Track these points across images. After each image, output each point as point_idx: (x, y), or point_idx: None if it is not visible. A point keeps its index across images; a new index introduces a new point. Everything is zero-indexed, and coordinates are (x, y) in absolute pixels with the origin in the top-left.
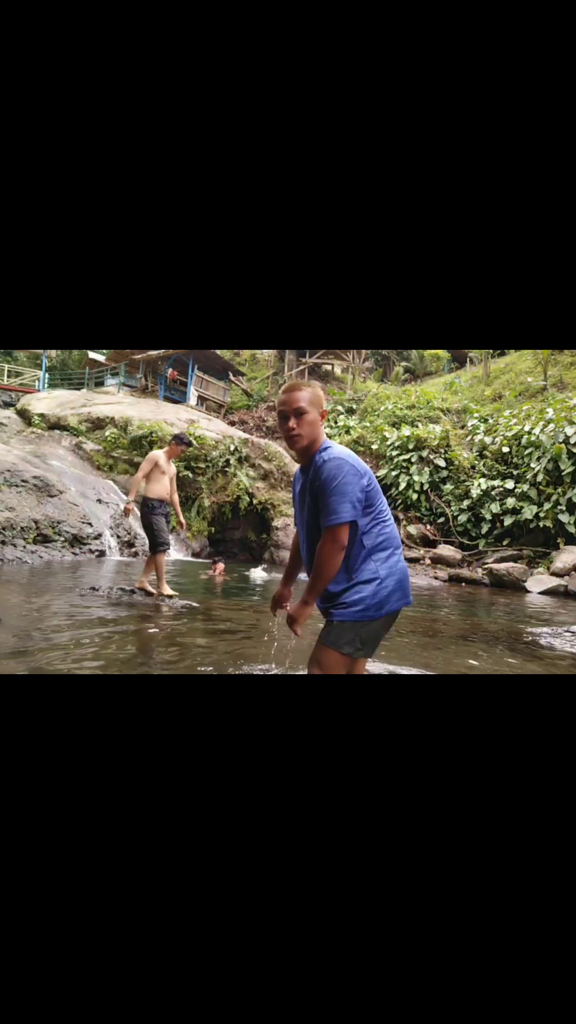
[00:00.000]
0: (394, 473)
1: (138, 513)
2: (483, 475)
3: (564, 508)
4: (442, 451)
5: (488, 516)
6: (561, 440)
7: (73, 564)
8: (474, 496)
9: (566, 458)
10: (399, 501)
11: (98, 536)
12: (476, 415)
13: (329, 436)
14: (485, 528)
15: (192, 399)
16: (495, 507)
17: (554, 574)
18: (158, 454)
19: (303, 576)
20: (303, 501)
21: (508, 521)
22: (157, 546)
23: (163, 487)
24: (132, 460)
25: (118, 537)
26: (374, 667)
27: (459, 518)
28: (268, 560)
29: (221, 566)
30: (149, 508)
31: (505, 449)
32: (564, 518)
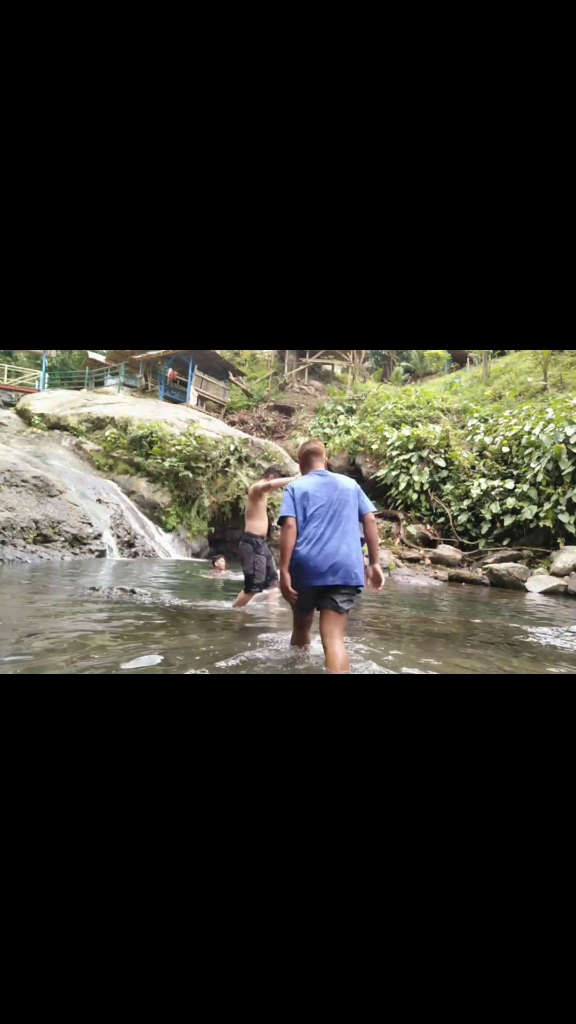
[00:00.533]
0: (394, 473)
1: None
2: (483, 475)
3: (564, 508)
4: (442, 451)
5: (488, 516)
6: (561, 440)
7: (73, 564)
8: (474, 496)
9: (566, 458)
10: (399, 501)
11: (98, 536)
12: (476, 415)
13: (329, 436)
14: (485, 528)
15: (192, 399)
16: (495, 507)
17: (554, 574)
18: (263, 484)
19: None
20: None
21: (508, 521)
22: (251, 587)
23: (265, 522)
24: (132, 460)
25: (118, 537)
26: (374, 667)
27: (459, 518)
28: None
29: (222, 562)
30: (253, 545)
31: (505, 449)
32: (564, 518)
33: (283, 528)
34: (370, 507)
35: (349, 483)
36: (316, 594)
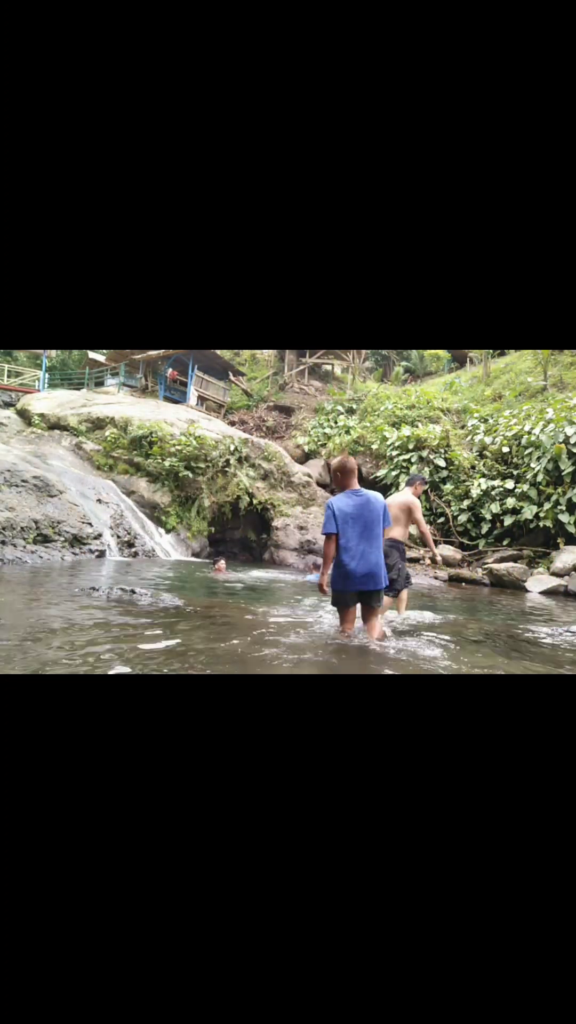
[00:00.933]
0: (394, 473)
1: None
2: (483, 475)
3: (564, 508)
4: (442, 451)
5: (488, 516)
6: (561, 440)
7: (73, 564)
8: (474, 496)
9: (566, 458)
10: None
11: (98, 536)
12: (476, 415)
13: (328, 436)
14: (485, 528)
15: (192, 399)
16: (495, 507)
17: (554, 574)
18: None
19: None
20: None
21: (508, 521)
22: (392, 590)
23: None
24: (132, 460)
25: (118, 537)
26: (375, 667)
27: (459, 518)
28: (269, 560)
29: (222, 563)
30: (400, 553)
31: (505, 449)
32: (564, 518)
33: (326, 541)
34: (389, 520)
35: (379, 503)
36: (356, 596)
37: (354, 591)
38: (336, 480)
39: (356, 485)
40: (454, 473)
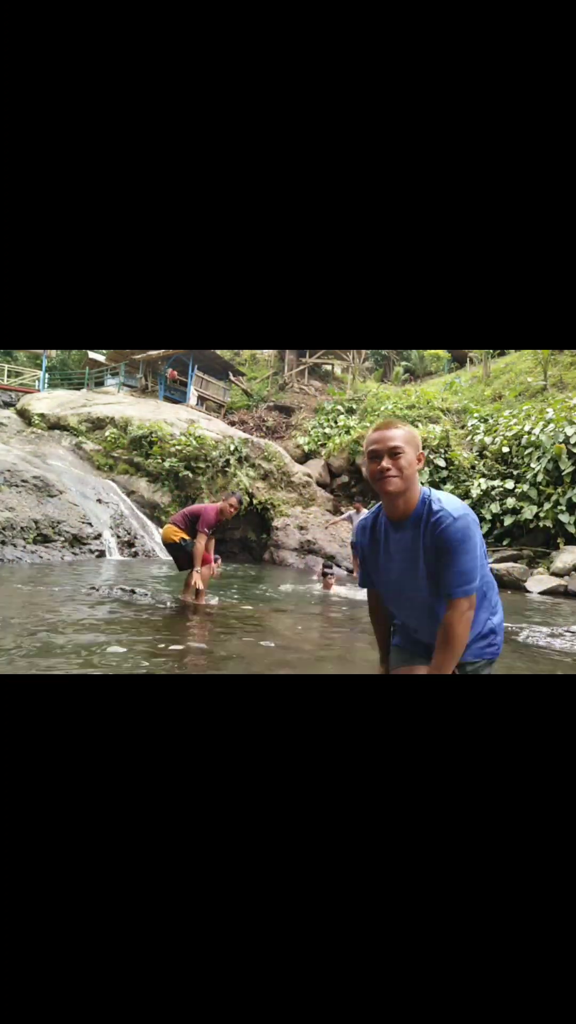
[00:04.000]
0: None
1: None
2: (483, 475)
3: (564, 508)
4: (442, 451)
5: (488, 516)
6: (561, 440)
7: (73, 564)
8: (474, 496)
9: (566, 458)
10: None
11: (98, 536)
12: (476, 415)
13: (328, 436)
14: (485, 528)
15: (192, 399)
16: (495, 507)
17: (554, 574)
18: None
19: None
20: (411, 560)
21: (508, 521)
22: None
23: None
24: (132, 460)
25: (118, 537)
26: (374, 667)
27: None
28: (268, 560)
29: (333, 577)
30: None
31: (505, 449)
32: (564, 518)
33: (473, 599)
34: (457, 592)
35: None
36: None
37: None
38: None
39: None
40: (454, 473)
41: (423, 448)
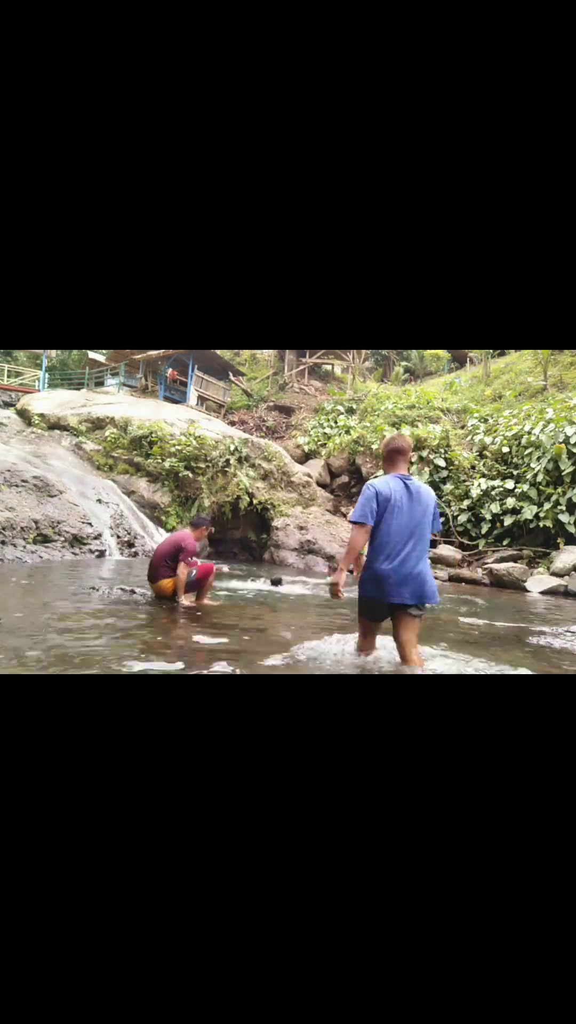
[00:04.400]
0: None
1: None
2: (483, 475)
3: (564, 508)
4: (442, 451)
5: (488, 516)
6: (561, 440)
7: (73, 564)
8: (474, 496)
9: (566, 458)
10: None
11: (98, 536)
12: (476, 415)
13: (328, 436)
14: (485, 528)
15: (192, 399)
16: (495, 507)
17: (554, 574)
18: None
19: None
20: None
21: (508, 521)
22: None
23: None
24: (132, 460)
25: (118, 537)
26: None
27: (459, 518)
28: (268, 560)
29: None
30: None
31: (505, 449)
32: (564, 518)
33: (357, 530)
34: (438, 526)
35: (430, 496)
36: (391, 609)
37: (390, 602)
38: (387, 462)
39: (406, 471)
40: (454, 473)
41: (423, 448)
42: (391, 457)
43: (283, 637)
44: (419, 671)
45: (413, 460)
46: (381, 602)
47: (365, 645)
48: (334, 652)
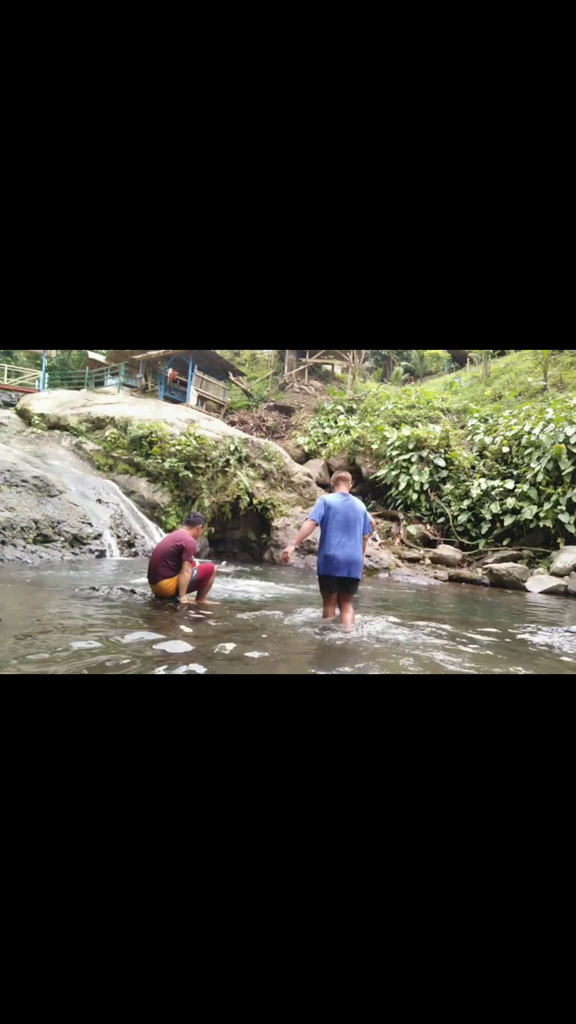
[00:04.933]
0: (394, 473)
1: None
2: (483, 475)
3: (564, 508)
4: (442, 451)
5: (488, 516)
6: (561, 440)
7: (73, 564)
8: (474, 496)
9: (566, 458)
10: (399, 501)
11: (98, 536)
12: (476, 415)
13: (328, 436)
14: (485, 528)
15: (192, 399)
16: (495, 507)
17: (554, 574)
18: None
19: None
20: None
21: (508, 521)
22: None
23: None
24: (132, 460)
25: (118, 537)
26: (374, 667)
27: (459, 518)
28: (268, 560)
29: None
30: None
31: (505, 449)
32: (564, 518)
33: (309, 525)
34: (370, 528)
35: (361, 506)
36: (337, 582)
37: (336, 576)
38: (334, 485)
39: (347, 491)
40: (454, 473)
41: (423, 448)
42: (337, 482)
43: (279, 615)
44: (352, 632)
45: (413, 460)
46: (330, 576)
47: (327, 612)
48: (312, 614)
